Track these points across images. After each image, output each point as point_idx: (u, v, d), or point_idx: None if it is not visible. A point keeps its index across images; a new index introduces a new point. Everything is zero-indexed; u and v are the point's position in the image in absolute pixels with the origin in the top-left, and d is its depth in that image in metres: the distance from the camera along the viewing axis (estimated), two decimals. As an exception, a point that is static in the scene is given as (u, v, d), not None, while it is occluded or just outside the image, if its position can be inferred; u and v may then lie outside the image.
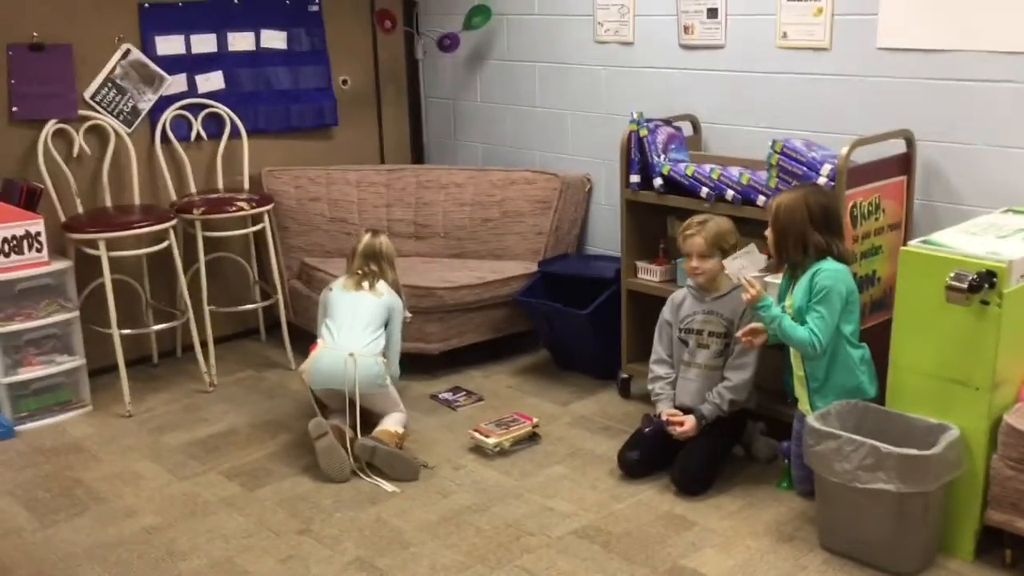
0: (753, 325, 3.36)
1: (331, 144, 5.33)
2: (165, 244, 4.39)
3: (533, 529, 3.29)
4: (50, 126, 4.38)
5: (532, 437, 3.91)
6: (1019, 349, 2.93)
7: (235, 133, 4.89)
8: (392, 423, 3.80)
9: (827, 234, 3.21)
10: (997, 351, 2.84)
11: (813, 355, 3.19)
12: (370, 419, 3.84)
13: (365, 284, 3.90)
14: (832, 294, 3.15)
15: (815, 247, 3.19)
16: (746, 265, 3.28)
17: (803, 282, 3.22)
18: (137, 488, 3.65)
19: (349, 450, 3.66)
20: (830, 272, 3.18)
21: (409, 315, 4.12)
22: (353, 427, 3.72)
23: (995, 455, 2.90)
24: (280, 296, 4.81)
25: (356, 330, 3.80)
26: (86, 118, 4.50)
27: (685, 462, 3.50)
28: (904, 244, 3.21)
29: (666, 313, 3.76)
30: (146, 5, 4.60)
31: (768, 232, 3.29)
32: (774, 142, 3.57)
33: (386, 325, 3.89)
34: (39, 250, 4.08)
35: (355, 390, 3.70)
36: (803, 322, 3.20)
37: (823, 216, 3.20)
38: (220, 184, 4.88)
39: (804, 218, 3.17)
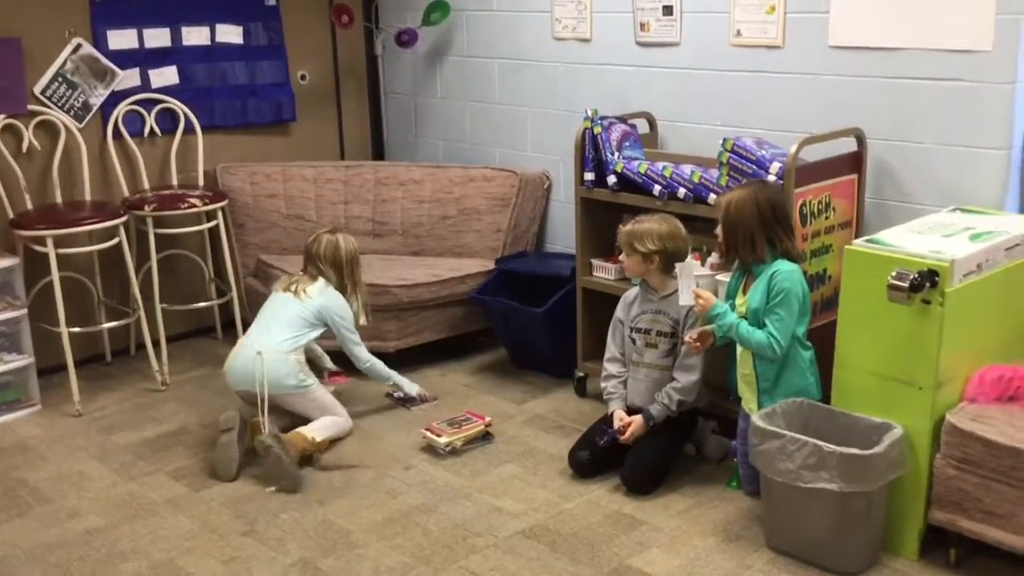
0: (700, 329, 3.35)
1: (290, 140, 5.28)
2: (115, 241, 4.33)
3: (480, 529, 3.27)
4: (-2, 121, 4.32)
5: (485, 436, 3.88)
6: (962, 349, 2.93)
7: (189, 129, 4.84)
8: (314, 428, 3.71)
9: (777, 232, 3.19)
10: (940, 351, 2.83)
11: (772, 357, 3.18)
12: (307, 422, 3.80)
13: (293, 287, 3.85)
14: (791, 296, 3.14)
15: (765, 245, 3.18)
16: (688, 282, 3.27)
17: (760, 284, 3.20)
18: (82, 489, 3.60)
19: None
20: (787, 273, 3.17)
21: (364, 321, 4.03)
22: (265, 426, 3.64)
23: (938, 455, 2.90)
24: (235, 294, 4.76)
25: (271, 329, 3.76)
26: (36, 113, 4.43)
27: (635, 462, 3.48)
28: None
29: (619, 311, 3.74)
30: (97, -1, 4.55)
31: (718, 230, 3.27)
32: (725, 140, 3.55)
33: (326, 327, 3.85)
34: (-16, 247, 4.02)
35: (263, 388, 3.62)
36: (759, 324, 3.19)
37: (772, 213, 3.18)
38: (174, 180, 4.82)
39: (754, 215, 3.16)
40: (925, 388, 2.88)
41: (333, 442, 3.81)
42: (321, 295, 3.85)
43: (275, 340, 3.72)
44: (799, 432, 2.97)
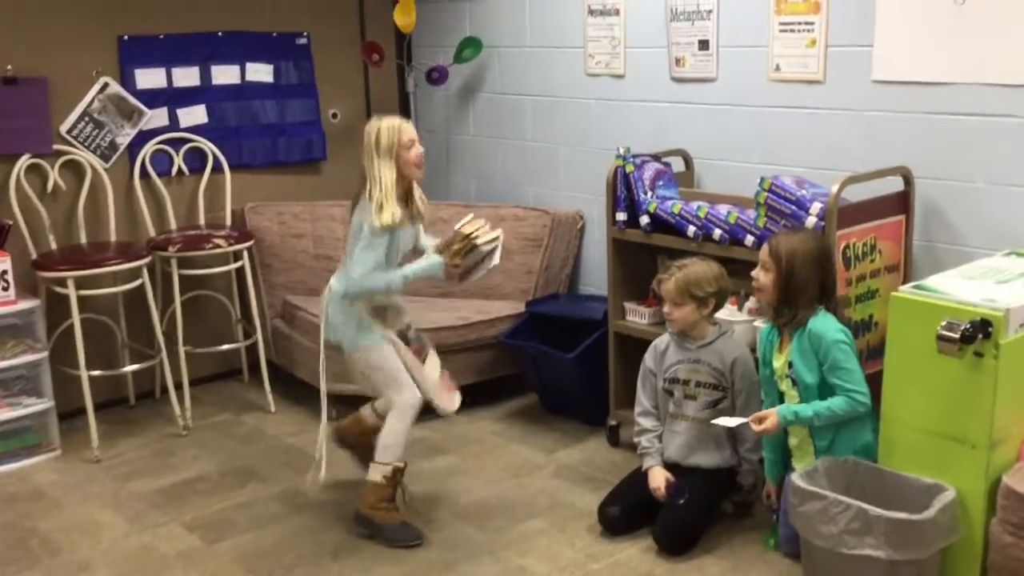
0: (758, 414, 3.09)
1: (320, 179, 5.20)
2: (139, 282, 4.25)
3: (502, 590, 3.10)
4: (23, 161, 4.27)
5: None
6: (1019, 405, 2.71)
7: (218, 168, 4.77)
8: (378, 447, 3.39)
9: (828, 291, 3.03)
10: (994, 407, 2.63)
11: (865, 412, 2.97)
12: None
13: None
14: (840, 344, 2.96)
15: (818, 305, 3.01)
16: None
17: (802, 347, 3.01)
18: (94, 540, 3.49)
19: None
20: (818, 327, 2.98)
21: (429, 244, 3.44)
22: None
23: (994, 519, 2.68)
24: (260, 336, 4.66)
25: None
26: (61, 153, 4.39)
27: (668, 519, 3.29)
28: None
29: (649, 361, 3.54)
30: (125, 38, 4.50)
31: (769, 276, 3.05)
32: (762, 179, 3.39)
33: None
34: (5, 288, 3.95)
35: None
36: (809, 387, 3.00)
37: (828, 271, 3.03)
38: (201, 220, 4.75)
39: (816, 275, 3.00)
40: (979, 447, 2.67)
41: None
42: (360, 211, 3.25)
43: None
44: (842, 492, 2.77)
